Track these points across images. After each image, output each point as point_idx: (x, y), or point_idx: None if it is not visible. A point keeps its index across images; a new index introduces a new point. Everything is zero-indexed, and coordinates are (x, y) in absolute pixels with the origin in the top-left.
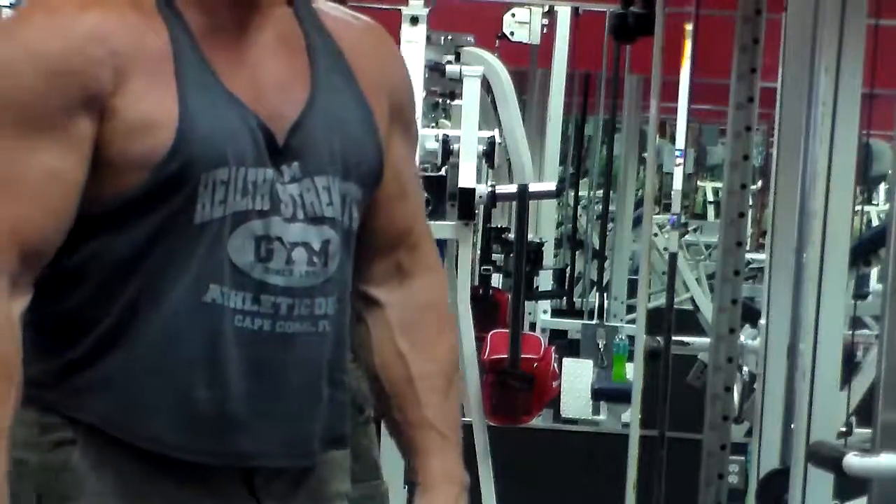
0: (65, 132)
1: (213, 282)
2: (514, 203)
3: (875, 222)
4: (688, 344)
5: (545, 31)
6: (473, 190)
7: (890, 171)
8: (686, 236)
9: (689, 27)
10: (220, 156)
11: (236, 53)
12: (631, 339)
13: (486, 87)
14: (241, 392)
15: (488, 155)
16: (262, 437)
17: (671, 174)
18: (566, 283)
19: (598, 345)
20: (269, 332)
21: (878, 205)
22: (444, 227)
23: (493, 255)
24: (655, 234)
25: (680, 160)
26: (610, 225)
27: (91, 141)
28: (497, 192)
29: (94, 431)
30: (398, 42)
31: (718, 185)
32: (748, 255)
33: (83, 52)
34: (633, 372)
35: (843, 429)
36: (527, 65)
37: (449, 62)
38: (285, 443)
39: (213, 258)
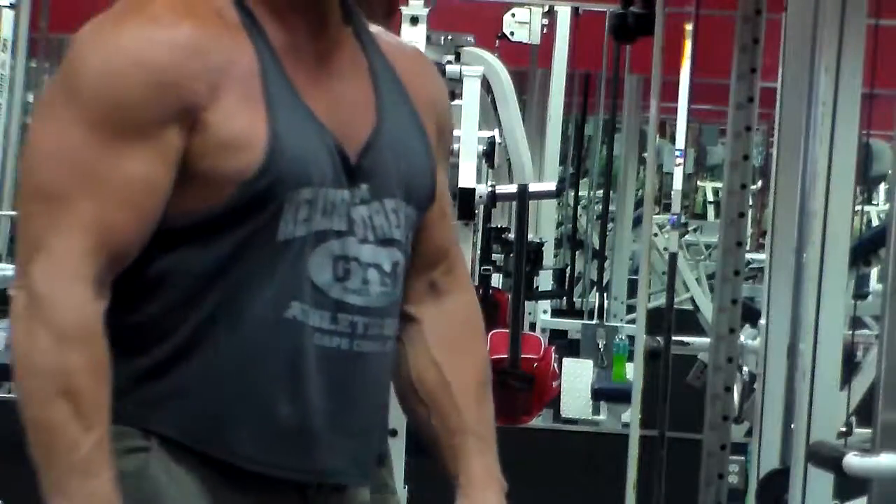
0: (158, 141)
1: (294, 299)
2: (514, 203)
3: (875, 222)
4: (688, 344)
5: (545, 31)
6: (473, 190)
7: (890, 171)
8: (686, 236)
9: (689, 27)
10: (306, 175)
11: (313, 73)
12: (631, 339)
13: (486, 87)
14: (320, 409)
15: (488, 155)
16: (337, 453)
17: (671, 174)
18: (566, 283)
19: (598, 345)
20: (347, 350)
21: (878, 205)
22: None
23: (493, 255)
24: (655, 234)
25: (680, 160)
26: (610, 225)
27: (179, 152)
28: (497, 192)
29: (167, 441)
30: None
31: (718, 185)
32: (748, 255)
33: (184, 64)
34: (633, 372)
35: (843, 429)
36: (527, 65)
37: (449, 62)
38: (354, 460)
39: (295, 275)
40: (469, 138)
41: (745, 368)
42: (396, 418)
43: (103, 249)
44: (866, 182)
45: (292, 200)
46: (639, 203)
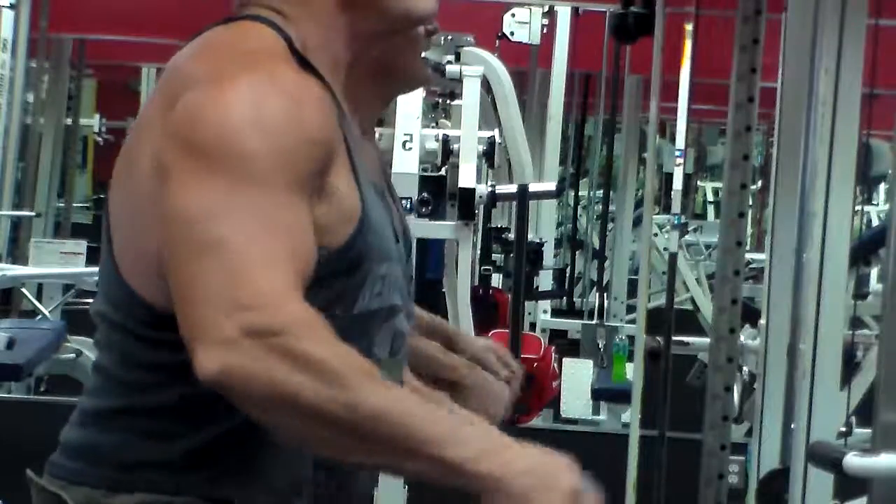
0: (308, 195)
1: None
2: (514, 203)
3: (875, 222)
4: (688, 344)
5: (545, 31)
6: (473, 190)
7: (890, 171)
8: (686, 236)
9: (689, 27)
10: (386, 250)
11: (359, 143)
12: (631, 339)
13: (486, 87)
14: (358, 475)
15: (488, 155)
16: None
17: (671, 174)
18: (566, 283)
19: (598, 345)
20: None
21: (878, 205)
22: (444, 227)
23: (493, 255)
24: (655, 234)
25: (680, 160)
26: (610, 225)
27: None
28: (497, 192)
29: None
30: None
31: (718, 185)
32: (748, 255)
33: (327, 124)
34: (633, 372)
35: (843, 429)
36: (527, 65)
37: (449, 62)
38: None
39: (361, 350)
40: (469, 138)
41: (745, 368)
42: None
43: (300, 279)
44: (866, 182)
45: (373, 274)
46: (639, 203)
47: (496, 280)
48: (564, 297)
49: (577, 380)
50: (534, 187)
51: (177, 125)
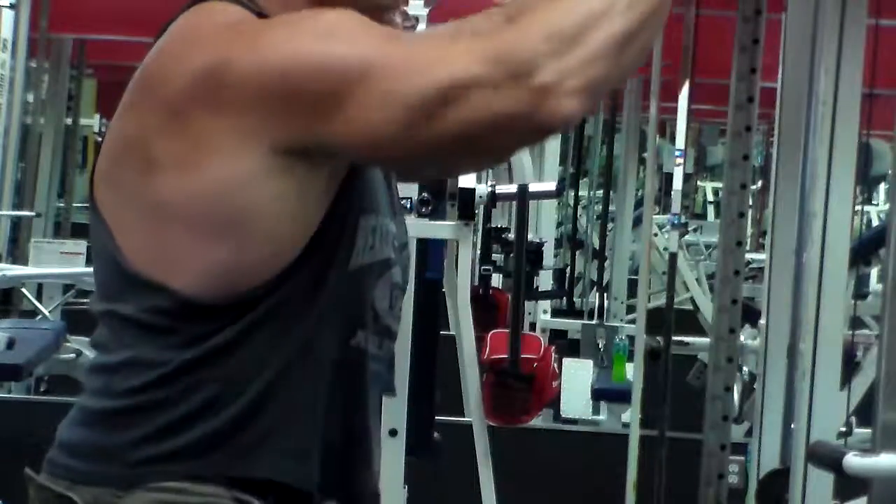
0: None
1: (360, 327)
2: (514, 203)
3: (875, 222)
4: (688, 344)
5: None
6: (473, 190)
7: (890, 171)
8: (686, 236)
9: (689, 27)
10: (375, 203)
11: None
12: (631, 339)
13: None
14: (371, 433)
15: None
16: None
17: (671, 174)
18: (566, 283)
19: (598, 345)
20: (382, 375)
21: (878, 205)
22: (444, 227)
23: (493, 255)
24: (655, 234)
25: (680, 160)
26: (610, 225)
27: None
28: (497, 192)
29: (270, 486)
30: None
31: (718, 185)
32: (748, 255)
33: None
34: (633, 372)
35: (843, 429)
36: None
37: None
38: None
39: (361, 304)
40: None
41: (745, 368)
42: (396, 418)
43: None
44: (866, 182)
45: (363, 227)
46: (639, 203)
47: (496, 280)
48: (564, 297)
49: (577, 380)
50: (534, 187)
51: (274, 108)
